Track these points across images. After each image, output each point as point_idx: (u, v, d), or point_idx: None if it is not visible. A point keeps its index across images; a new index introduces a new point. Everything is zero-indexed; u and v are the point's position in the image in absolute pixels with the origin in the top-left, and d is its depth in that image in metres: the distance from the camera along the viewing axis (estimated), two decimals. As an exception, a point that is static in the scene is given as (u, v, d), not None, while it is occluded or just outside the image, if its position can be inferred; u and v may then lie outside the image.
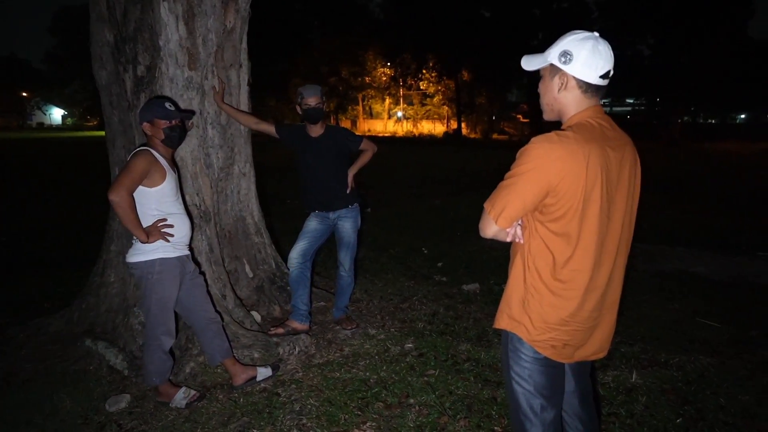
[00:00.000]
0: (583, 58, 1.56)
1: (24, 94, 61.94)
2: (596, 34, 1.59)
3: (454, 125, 40.10)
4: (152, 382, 2.83)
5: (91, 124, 60.31)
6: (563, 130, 1.59)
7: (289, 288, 4.00)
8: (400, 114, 46.66)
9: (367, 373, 3.12)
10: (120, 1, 3.43)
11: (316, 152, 3.59)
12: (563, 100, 1.64)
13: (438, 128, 43.30)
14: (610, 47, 1.58)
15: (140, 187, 2.57)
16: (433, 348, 3.44)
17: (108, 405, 2.83)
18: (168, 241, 2.66)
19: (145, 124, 2.69)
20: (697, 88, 29.62)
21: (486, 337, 3.63)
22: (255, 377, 3.03)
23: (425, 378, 3.05)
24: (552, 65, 1.63)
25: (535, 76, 1.74)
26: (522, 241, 1.66)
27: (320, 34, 38.03)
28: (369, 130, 44.92)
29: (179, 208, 2.77)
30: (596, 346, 1.71)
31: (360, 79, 41.51)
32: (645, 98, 37.50)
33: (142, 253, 2.64)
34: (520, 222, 1.66)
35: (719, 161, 18.86)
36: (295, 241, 3.73)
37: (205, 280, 3.09)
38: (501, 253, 5.23)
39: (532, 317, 1.64)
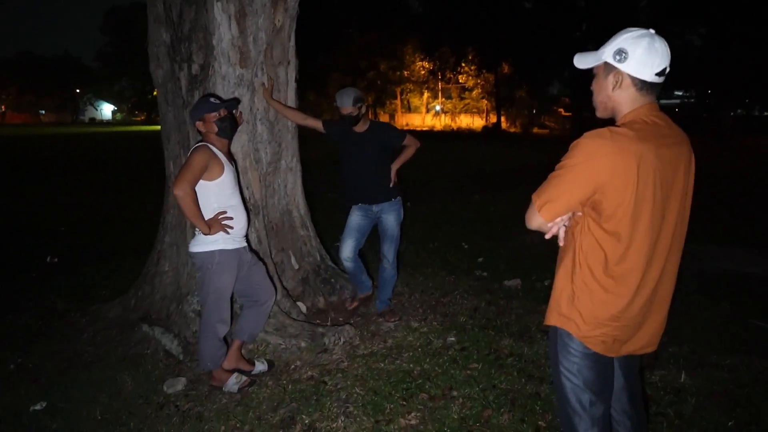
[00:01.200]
0: (638, 56, 1.55)
1: (77, 90, 64.97)
2: (652, 31, 1.58)
3: (493, 119, 39.58)
4: (206, 367, 2.98)
5: (139, 119, 62.72)
6: (617, 126, 1.59)
7: (332, 280, 4.21)
8: (438, 108, 46.41)
9: (411, 365, 3.18)
10: (176, 3, 3.58)
11: (360, 147, 3.67)
12: (618, 98, 1.64)
13: (477, 122, 42.85)
14: (666, 44, 1.57)
15: (201, 181, 2.71)
16: (476, 342, 3.47)
17: (166, 387, 2.99)
18: (228, 233, 2.79)
19: (197, 122, 2.83)
20: (751, 79, 28.16)
21: (528, 333, 3.63)
22: (251, 371, 3.09)
23: (468, 371, 3.08)
24: (606, 63, 1.63)
25: (578, 69, 1.74)
26: (562, 244, 1.67)
27: (358, 28, 38.13)
28: (407, 124, 44.87)
29: (237, 201, 2.90)
30: (645, 340, 1.70)
31: (398, 73, 41.51)
32: (695, 90, 35.89)
33: (203, 243, 2.78)
34: (565, 223, 1.67)
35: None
36: (342, 239, 3.85)
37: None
38: (542, 250, 5.18)
39: (583, 313, 1.64)
